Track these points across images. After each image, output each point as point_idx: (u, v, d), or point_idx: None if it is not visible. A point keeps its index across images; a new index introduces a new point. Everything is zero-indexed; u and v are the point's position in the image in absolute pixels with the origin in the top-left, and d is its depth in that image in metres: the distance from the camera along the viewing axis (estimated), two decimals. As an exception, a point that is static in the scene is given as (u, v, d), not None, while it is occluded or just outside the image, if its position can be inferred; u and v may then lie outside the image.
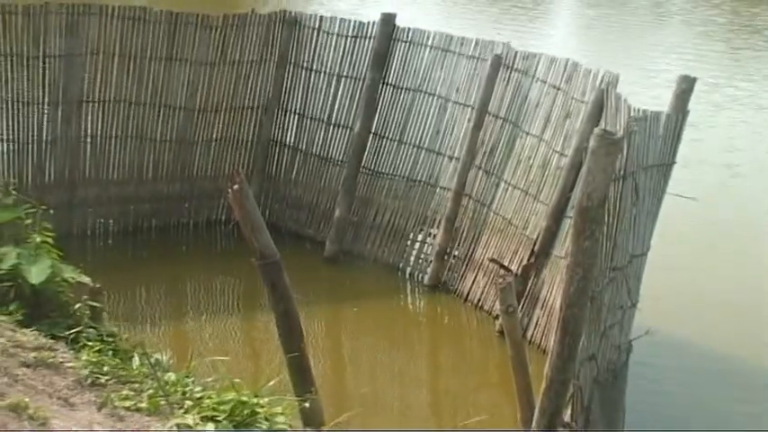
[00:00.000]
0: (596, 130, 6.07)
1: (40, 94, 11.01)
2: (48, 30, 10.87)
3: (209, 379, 5.20)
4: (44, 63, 10.93)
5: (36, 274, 6.46)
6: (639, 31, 30.22)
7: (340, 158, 11.85)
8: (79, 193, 11.34)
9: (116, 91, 11.38)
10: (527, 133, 10.40)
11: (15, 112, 10.91)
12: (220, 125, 11.97)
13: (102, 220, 11.59)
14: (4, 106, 10.84)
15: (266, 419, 4.80)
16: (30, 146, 11.03)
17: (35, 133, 11.04)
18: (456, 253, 10.98)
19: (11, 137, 10.92)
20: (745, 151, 17.38)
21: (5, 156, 10.86)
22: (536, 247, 9.78)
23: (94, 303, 6.72)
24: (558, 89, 10.12)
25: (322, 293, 10.39)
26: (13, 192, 7.80)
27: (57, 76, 11.01)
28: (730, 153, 17.02)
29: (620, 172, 7.34)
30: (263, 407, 4.84)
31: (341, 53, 11.88)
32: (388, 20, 11.62)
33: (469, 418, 7.99)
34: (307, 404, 5.48)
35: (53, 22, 10.87)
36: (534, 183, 10.19)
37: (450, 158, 11.15)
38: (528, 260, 9.84)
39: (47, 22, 10.85)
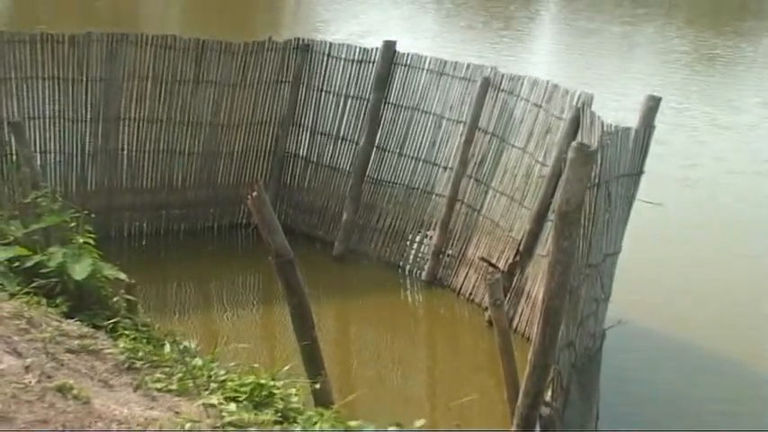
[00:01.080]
0: (573, 144, 6.07)
1: (83, 112, 11.05)
2: (90, 56, 10.93)
3: (232, 364, 5.21)
4: (87, 85, 10.98)
5: (79, 271, 6.48)
6: (611, 58, 30.25)
7: (347, 169, 11.86)
8: (117, 199, 11.37)
9: (149, 110, 11.42)
10: (512, 146, 10.42)
11: (61, 128, 10.96)
12: (241, 139, 12.00)
13: (136, 224, 11.60)
14: (52, 123, 10.88)
15: (282, 399, 4.80)
16: (74, 158, 11.09)
17: (79, 147, 11.09)
18: (450, 252, 10.99)
19: (58, 150, 10.98)
20: (704, 165, 17.42)
21: (53, 167, 10.89)
22: (521, 247, 9.79)
23: (130, 297, 6.75)
24: (540, 107, 10.15)
25: (331, 288, 10.40)
26: (60, 198, 7.86)
27: (98, 97, 11.07)
28: (691, 165, 17.06)
29: (595, 180, 7.33)
30: (279, 388, 4.85)
31: (348, 76, 11.90)
32: (389, 46, 11.65)
33: (462, 398, 8.01)
34: (317, 386, 5.49)
35: (95, 49, 10.94)
36: (519, 190, 10.21)
37: (445, 168, 11.17)
38: (513, 258, 9.85)
39: (89, 49, 10.91)
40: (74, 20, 27.05)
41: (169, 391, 4.81)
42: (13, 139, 9.78)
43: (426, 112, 11.41)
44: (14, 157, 9.65)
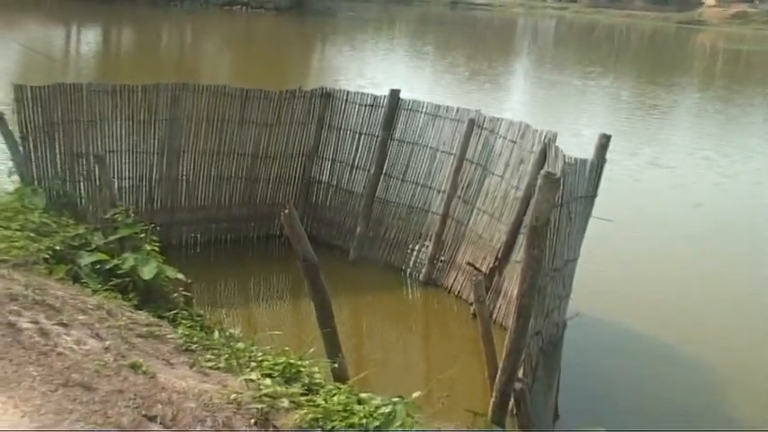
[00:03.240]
0: (542, 173, 6.09)
1: (152, 146, 11.06)
2: (158, 102, 10.97)
3: (267, 347, 5.21)
4: (154, 125, 11.01)
5: (147, 272, 6.52)
6: (572, 104, 30.35)
7: (360, 191, 11.85)
8: (177, 215, 11.36)
9: (203, 144, 11.43)
10: (493, 174, 10.42)
11: (134, 159, 10.96)
12: (276, 168, 11.98)
13: (192, 235, 11.57)
14: (127, 155, 10.90)
15: (307, 376, 4.79)
16: (143, 182, 11.08)
17: (147, 174, 11.09)
18: (442, 258, 10.96)
19: (131, 176, 10.97)
20: (648, 192, 17.43)
21: (127, 190, 10.88)
22: (499, 255, 9.78)
23: (187, 293, 6.78)
24: (515, 143, 10.16)
25: (347, 287, 10.37)
26: (132, 215, 7.89)
27: (163, 134, 11.09)
28: (638, 189, 17.07)
29: (559, 201, 7.33)
30: (305, 367, 4.84)
31: (361, 117, 11.92)
32: (394, 94, 11.68)
33: (452, 371, 8.01)
34: (336, 365, 5.48)
35: (161, 96, 10.98)
36: (498, 209, 10.21)
37: (439, 191, 11.16)
38: (493, 264, 9.83)
39: (157, 96, 10.95)
40: (146, 72, 27.18)
41: (218, 368, 4.82)
42: (97, 168, 9.82)
43: (424, 146, 11.41)
44: (98, 183, 9.70)
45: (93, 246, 7.35)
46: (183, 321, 5.77)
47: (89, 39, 43.62)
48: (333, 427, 4.13)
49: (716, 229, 14.84)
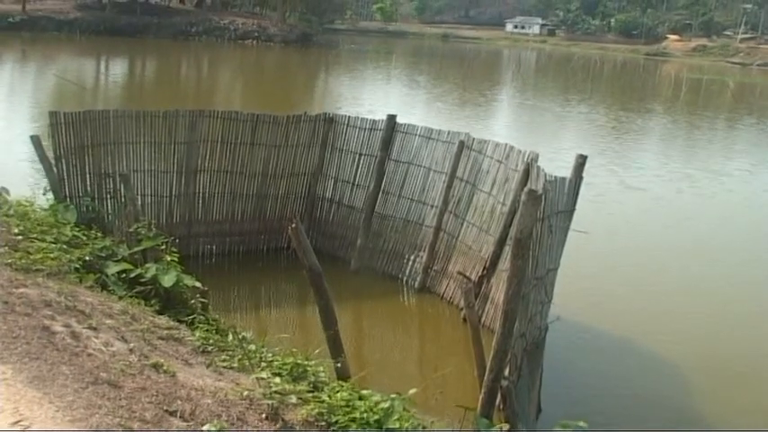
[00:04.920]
0: (525, 189, 6.08)
1: (171, 166, 11.07)
2: (177, 126, 10.98)
3: (277, 348, 5.20)
4: (174, 147, 11.03)
5: (167, 280, 6.51)
6: (552, 128, 30.44)
7: (360, 207, 11.84)
8: (194, 229, 11.35)
9: (218, 164, 11.43)
10: (481, 191, 10.43)
11: (155, 177, 10.97)
12: (284, 186, 11.98)
13: (208, 247, 11.55)
14: (149, 174, 10.90)
15: (313, 375, 4.79)
16: (164, 199, 11.08)
17: (167, 191, 11.08)
18: (435, 267, 10.96)
19: (153, 193, 10.97)
20: (621, 206, 17.44)
21: (149, 205, 10.87)
22: (487, 264, 9.77)
23: (203, 300, 6.76)
24: (501, 162, 10.17)
25: (349, 294, 10.39)
26: (154, 228, 7.89)
27: (181, 155, 11.09)
28: (611, 204, 17.09)
29: (541, 216, 7.34)
30: (311, 366, 4.84)
31: (361, 139, 11.92)
32: (392, 118, 11.69)
33: (444, 370, 7.98)
34: (339, 365, 5.47)
35: (180, 121, 11.00)
36: (486, 222, 10.21)
37: (432, 206, 11.16)
38: (482, 272, 9.82)
39: (176, 121, 10.97)
40: (167, 99, 27.25)
41: (232, 368, 4.82)
42: (122, 186, 9.84)
43: (418, 166, 11.42)
44: (123, 199, 9.72)
45: (119, 256, 7.36)
46: (200, 325, 5.76)
47: (116, 69, 43.76)
48: (336, 421, 4.12)
49: (686, 241, 14.86)
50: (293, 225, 5.75)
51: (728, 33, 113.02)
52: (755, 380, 9.19)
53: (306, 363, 4.82)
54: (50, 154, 9.71)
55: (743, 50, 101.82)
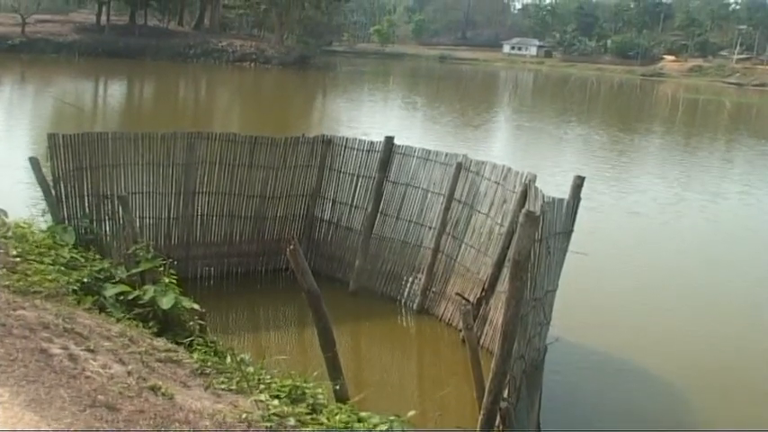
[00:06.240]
0: (523, 211, 6.10)
1: (169, 188, 11.09)
2: (175, 148, 11.01)
3: (275, 370, 5.20)
4: (172, 169, 11.05)
5: (165, 302, 6.51)
6: (549, 149, 30.58)
7: (359, 228, 11.86)
8: (192, 250, 11.35)
9: (216, 186, 11.45)
10: (479, 212, 10.46)
11: (154, 199, 10.98)
12: (282, 207, 12.00)
13: (206, 268, 11.55)
14: (147, 196, 10.92)
15: (311, 397, 4.78)
16: (162, 221, 11.09)
17: (166, 213, 11.10)
18: (434, 289, 10.95)
19: (151, 215, 10.98)
20: (619, 228, 17.47)
21: (148, 227, 10.88)
22: (485, 286, 9.77)
23: (201, 322, 6.75)
24: (498, 184, 10.20)
25: (347, 315, 10.37)
26: (152, 250, 7.90)
27: (179, 177, 11.12)
28: (607, 230, 17.13)
29: (539, 237, 7.36)
30: (309, 389, 4.83)
31: (359, 161, 11.97)
32: (389, 140, 11.75)
33: (443, 392, 7.94)
34: (338, 387, 5.47)
35: (178, 143, 11.04)
36: (484, 244, 10.22)
37: (430, 228, 11.18)
38: (480, 294, 9.82)
39: (174, 143, 11.01)
40: (165, 121, 27.38)
41: (230, 390, 4.80)
42: (120, 208, 9.85)
43: (416, 187, 11.45)
44: (121, 221, 9.73)
45: (117, 278, 7.36)
46: (198, 347, 5.75)
47: (114, 91, 43.98)
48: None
49: (684, 261, 14.90)
50: (291, 247, 5.76)
51: (724, 54, 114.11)
52: (759, 397, 9.18)
53: (304, 385, 4.82)
54: (49, 176, 9.73)
55: (739, 71, 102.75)
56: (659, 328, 11.18)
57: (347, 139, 12.36)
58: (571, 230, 8.77)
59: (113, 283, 7.10)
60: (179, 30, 77.44)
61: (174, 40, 70.25)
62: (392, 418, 4.36)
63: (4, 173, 16.52)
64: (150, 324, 6.31)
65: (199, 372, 5.09)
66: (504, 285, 8.70)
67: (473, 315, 8.56)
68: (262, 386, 4.79)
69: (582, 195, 8.82)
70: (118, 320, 6.06)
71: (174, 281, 7.16)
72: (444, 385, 8.68)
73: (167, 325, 6.47)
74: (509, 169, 10.17)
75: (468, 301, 9.57)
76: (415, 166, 11.50)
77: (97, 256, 8.05)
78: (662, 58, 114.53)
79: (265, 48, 72.46)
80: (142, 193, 10.87)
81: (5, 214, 8.46)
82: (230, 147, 11.45)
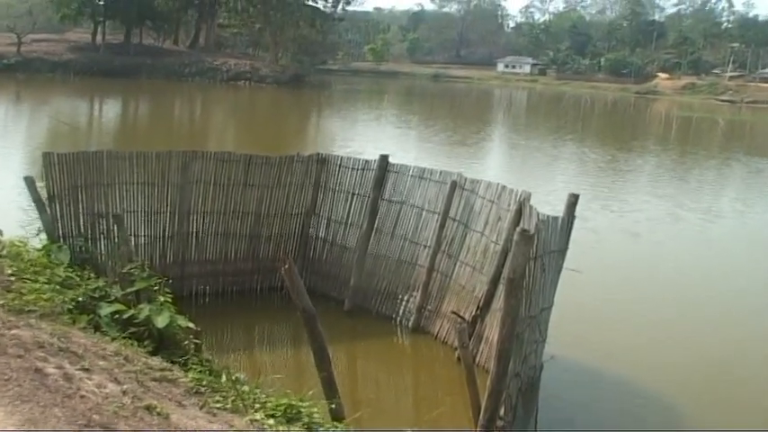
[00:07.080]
0: (517, 229, 6.16)
1: (164, 207, 11.09)
2: (170, 167, 11.02)
3: (271, 389, 5.20)
4: (167, 188, 11.05)
5: (161, 321, 6.51)
6: (544, 167, 30.69)
7: (353, 246, 11.85)
8: (187, 269, 11.33)
9: (211, 205, 11.46)
10: (473, 230, 10.47)
11: (149, 218, 10.98)
12: (277, 225, 12.00)
13: (201, 287, 11.52)
14: (143, 215, 10.92)
15: (307, 416, 4.78)
16: (157, 240, 11.07)
17: (161, 231, 11.09)
18: (429, 307, 10.94)
19: (146, 234, 10.97)
20: (611, 251, 17.52)
21: (143, 246, 10.87)
22: (481, 304, 9.77)
23: (196, 340, 6.74)
24: (493, 202, 10.23)
25: (342, 334, 10.35)
26: (147, 269, 7.90)
27: (174, 196, 11.11)
28: (602, 248, 17.16)
29: (533, 255, 7.40)
30: (305, 408, 4.84)
31: (354, 179, 11.99)
32: (384, 158, 11.78)
33: (439, 410, 7.93)
34: (333, 406, 5.47)
35: (173, 162, 11.05)
36: (479, 262, 10.22)
37: (425, 246, 11.18)
38: (475, 312, 9.81)
39: (169, 163, 11.01)
40: (160, 140, 27.43)
41: (225, 409, 4.80)
42: (115, 227, 9.86)
43: (411, 206, 11.46)
44: (116, 240, 9.73)
45: (112, 297, 7.36)
46: (194, 366, 5.74)
47: (109, 110, 44.09)
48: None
49: (679, 278, 14.93)
50: (286, 266, 5.78)
51: (717, 72, 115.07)
52: (758, 411, 9.19)
53: (300, 404, 4.82)
54: (44, 194, 9.75)
55: (731, 88, 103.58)
56: (657, 345, 11.19)
57: (342, 157, 12.39)
58: (566, 248, 8.80)
59: (108, 302, 7.10)
60: (174, 48, 77.84)
61: (168, 58, 70.60)
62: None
63: (-2, 192, 16.51)
64: (145, 343, 6.31)
65: (194, 391, 5.09)
66: (499, 303, 8.71)
67: (468, 333, 8.56)
68: (257, 405, 4.79)
69: (576, 213, 8.87)
70: (113, 339, 6.06)
71: (170, 299, 7.16)
72: (440, 404, 8.66)
73: (162, 344, 6.47)
74: (503, 187, 10.21)
75: (463, 319, 9.57)
76: (410, 185, 11.52)
77: (92, 275, 8.06)
78: (655, 76, 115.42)
79: (260, 66, 72.84)
80: (137, 211, 10.87)
81: (0, 233, 8.48)
82: (225, 165, 11.47)
